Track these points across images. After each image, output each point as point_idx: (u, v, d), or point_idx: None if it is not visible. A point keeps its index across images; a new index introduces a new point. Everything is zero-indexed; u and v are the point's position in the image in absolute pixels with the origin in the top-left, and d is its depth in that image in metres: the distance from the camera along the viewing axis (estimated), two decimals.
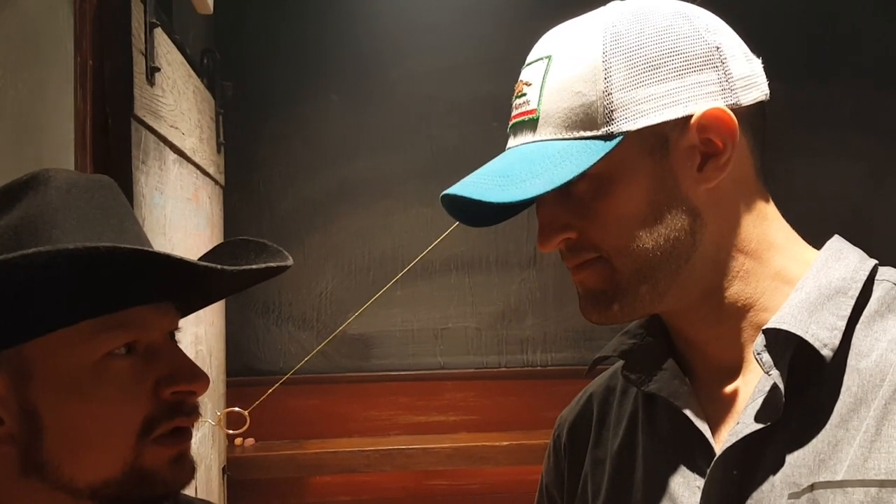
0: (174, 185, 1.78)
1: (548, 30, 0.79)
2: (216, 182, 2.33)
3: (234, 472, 2.40)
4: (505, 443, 2.51)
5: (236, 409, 2.15)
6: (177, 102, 1.80)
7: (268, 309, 2.69)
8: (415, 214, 2.73)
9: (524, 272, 2.77)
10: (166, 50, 1.70)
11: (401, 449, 2.49)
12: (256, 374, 2.61)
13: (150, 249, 0.67)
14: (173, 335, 0.78)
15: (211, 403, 2.17)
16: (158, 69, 1.60)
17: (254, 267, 0.75)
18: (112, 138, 1.42)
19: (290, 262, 0.77)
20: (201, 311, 2.04)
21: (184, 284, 0.75)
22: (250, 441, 2.53)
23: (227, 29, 2.60)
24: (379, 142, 2.74)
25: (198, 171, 2.05)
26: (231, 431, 2.25)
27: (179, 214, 1.81)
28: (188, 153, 1.90)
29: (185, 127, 1.89)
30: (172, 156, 1.77)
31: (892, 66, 2.86)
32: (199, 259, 0.74)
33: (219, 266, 0.70)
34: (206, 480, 2.07)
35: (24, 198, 0.72)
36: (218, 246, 0.81)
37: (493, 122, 2.57)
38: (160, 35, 1.63)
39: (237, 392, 2.40)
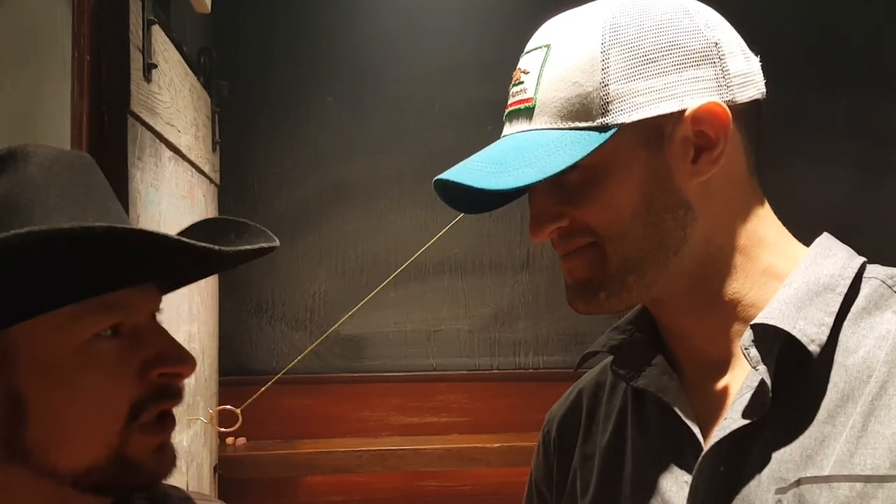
0: (169, 182, 1.78)
1: None
2: (211, 181, 2.33)
3: (226, 471, 2.40)
4: (496, 444, 2.51)
5: (228, 407, 2.15)
6: (173, 100, 1.80)
7: (261, 308, 2.69)
8: (409, 216, 2.73)
9: (517, 275, 2.78)
10: (163, 47, 1.71)
11: (393, 450, 2.49)
12: (249, 374, 2.61)
13: (147, 230, 0.66)
14: (154, 316, 0.76)
15: (203, 402, 2.17)
16: (155, 66, 1.60)
17: (248, 248, 0.73)
18: (108, 134, 1.42)
19: (277, 242, 0.75)
20: (195, 309, 2.05)
21: (174, 265, 0.73)
22: (242, 440, 2.53)
23: (225, 29, 2.61)
24: (373, 144, 2.74)
25: (193, 169, 2.05)
26: (223, 430, 2.25)
27: (174, 211, 1.81)
28: (184, 151, 1.90)
29: (181, 124, 1.89)
30: (168, 153, 1.77)
31: (883, 71, 2.88)
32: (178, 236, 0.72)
33: (216, 247, 0.68)
34: (198, 479, 2.07)
35: (2, 173, 0.69)
36: (195, 224, 0.79)
37: (487, 125, 2.56)
38: (157, 32, 1.64)
39: (229, 391, 2.40)
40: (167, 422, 0.74)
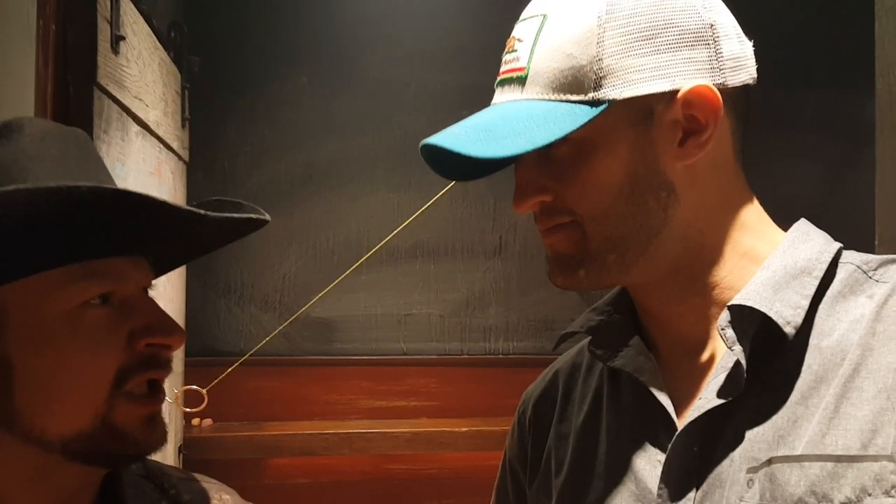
0: (136, 158, 1.74)
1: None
2: (180, 157, 2.29)
3: (191, 451, 2.38)
4: (465, 429, 2.52)
5: (194, 387, 2.12)
6: (141, 73, 1.76)
7: (229, 289, 2.66)
8: (381, 200, 2.71)
9: (489, 261, 2.78)
10: (132, 19, 1.67)
11: (360, 433, 2.48)
12: (216, 355, 2.58)
13: (133, 191, 0.66)
14: (145, 290, 0.77)
15: (168, 382, 2.14)
16: (123, 38, 1.57)
17: (236, 215, 0.73)
18: (73, 106, 1.38)
19: (268, 216, 0.76)
20: (161, 288, 2.01)
21: (164, 233, 0.74)
22: (208, 421, 2.50)
23: (199, 4, 2.56)
24: (347, 126, 2.72)
25: (161, 145, 2.01)
26: (188, 410, 2.22)
27: (140, 187, 1.78)
28: (151, 126, 1.86)
29: (149, 99, 1.85)
30: (135, 127, 1.74)
31: (850, 69, 2.90)
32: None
33: (201, 211, 0.69)
34: (162, 459, 2.04)
35: None
36: (193, 203, 0.80)
37: (462, 110, 2.54)
38: (127, 4, 1.60)
39: (195, 372, 2.37)
40: (157, 393, 0.74)
